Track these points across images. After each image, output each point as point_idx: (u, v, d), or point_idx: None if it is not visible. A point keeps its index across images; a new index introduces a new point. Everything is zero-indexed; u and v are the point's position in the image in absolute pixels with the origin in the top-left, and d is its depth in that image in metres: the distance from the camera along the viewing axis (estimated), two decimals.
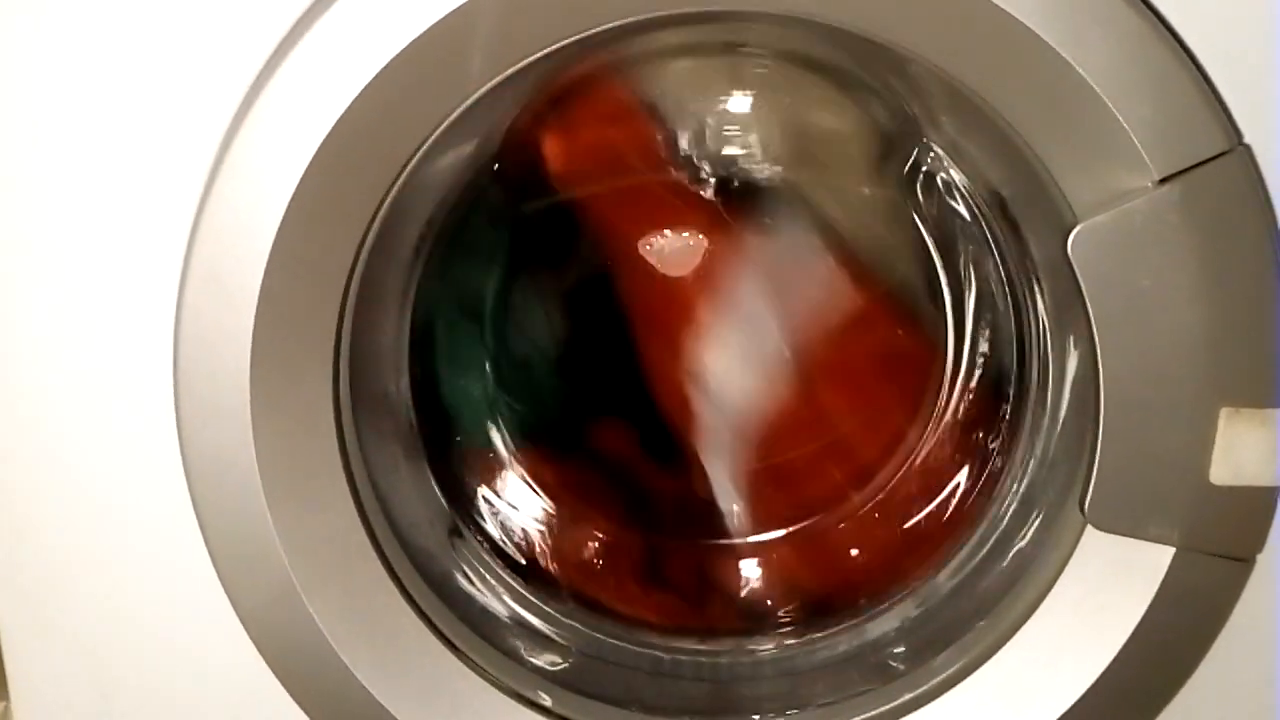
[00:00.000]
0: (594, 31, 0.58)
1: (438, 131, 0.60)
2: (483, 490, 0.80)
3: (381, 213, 0.61)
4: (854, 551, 0.82)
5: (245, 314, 0.60)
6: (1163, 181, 0.57)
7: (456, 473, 0.79)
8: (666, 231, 0.79)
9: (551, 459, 0.82)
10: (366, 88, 0.58)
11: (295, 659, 0.65)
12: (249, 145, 0.59)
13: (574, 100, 0.74)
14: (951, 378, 0.80)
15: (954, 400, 0.80)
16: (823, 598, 0.80)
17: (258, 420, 0.61)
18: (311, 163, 0.58)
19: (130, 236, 0.63)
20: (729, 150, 0.79)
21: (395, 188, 0.61)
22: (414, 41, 0.57)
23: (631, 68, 0.74)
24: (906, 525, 0.80)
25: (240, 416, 0.61)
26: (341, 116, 0.58)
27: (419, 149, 0.60)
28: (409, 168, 0.60)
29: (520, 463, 0.82)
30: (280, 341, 0.61)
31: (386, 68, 0.57)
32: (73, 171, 0.62)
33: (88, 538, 0.68)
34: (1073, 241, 0.59)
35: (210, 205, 0.60)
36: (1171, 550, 0.62)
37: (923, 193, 0.77)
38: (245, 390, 0.61)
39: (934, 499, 0.80)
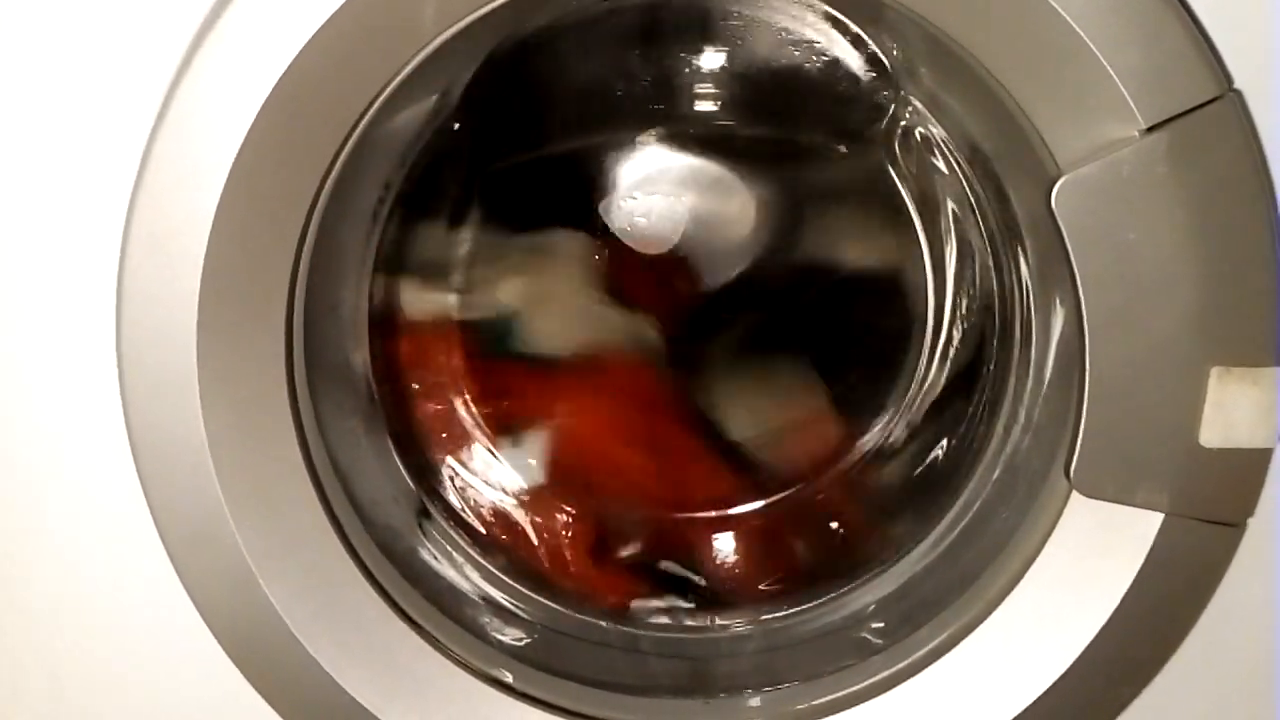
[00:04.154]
0: None
1: (392, 85, 0.58)
2: (448, 464, 0.79)
3: (335, 172, 0.60)
4: (833, 524, 0.81)
5: (190, 280, 0.58)
6: (1150, 130, 0.56)
7: (421, 447, 0.78)
8: (637, 195, 0.77)
9: (521, 431, 0.81)
10: (314, 37, 0.56)
11: (252, 644, 0.64)
12: (191, 100, 0.57)
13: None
14: (933, 340, 0.79)
15: (935, 364, 0.79)
16: (800, 572, 0.80)
17: (207, 396, 0.60)
18: (257, 118, 0.56)
19: (67, 197, 0.61)
20: (701, 107, 0.77)
21: (349, 145, 0.59)
22: None
23: (594, 20, 0.72)
24: (887, 495, 0.80)
25: (189, 392, 0.60)
26: (288, 68, 0.56)
27: (373, 103, 0.58)
28: (363, 123, 0.59)
29: (487, 435, 0.80)
30: (229, 312, 0.59)
31: (335, 15, 0.55)
32: (3, 130, 0.60)
33: (32, 522, 0.66)
34: (1056, 194, 0.58)
35: (151, 164, 0.58)
36: (1160, 516, 0.61)
37: (901, 149, 0.76)
38: (193, 364, 0.59)
39: (915, 467, 0.79)
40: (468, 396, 0.80)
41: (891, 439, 0.81)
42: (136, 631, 0.66)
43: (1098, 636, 0.62)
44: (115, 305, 0.60)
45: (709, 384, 0.83)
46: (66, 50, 0.59)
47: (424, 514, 0.76)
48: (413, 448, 0.77)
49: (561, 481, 0.80)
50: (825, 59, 0.75)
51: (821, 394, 0.83)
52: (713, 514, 0.81)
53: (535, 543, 0.79)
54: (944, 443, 0.78)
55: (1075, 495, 0.62)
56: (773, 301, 0.81)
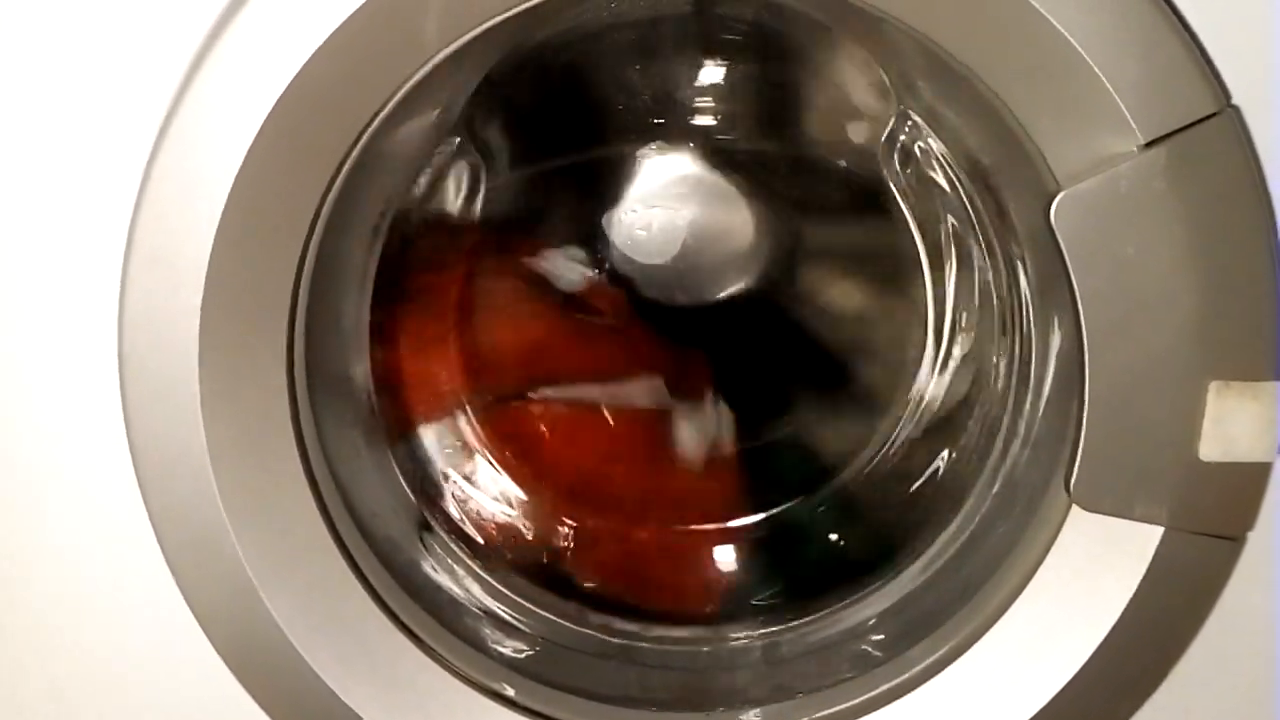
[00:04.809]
0: None
1: (394, 100, 0.58)
2: (449, 476, 0.79)
3: (336, 186, 0.60)
4: (833, 536, 0.81)
5: (192, 293, 0.58)
6: (1149, 145, 0.56)
7: (422, 459, 0.78)
8: (637, 208, 0.77)
9: (521, 445, 0.81)
10: (316, 52, 0.56)
11: (253, 656, 0.63)
12: (194, 114, 0.57)
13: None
14: (933, 354, 0.79)
15: (935, 377, 0.79)
16: (801, 584, 0.79)
17: (208, 408, 0.60)
18: (259, 132, 0.56)
19: (70, 211, 0.61)
20: (699, 121, 0.77)
21: (351, 160, 0.59)
22: (365, 4, 0.55)
23: (595, 35, 0.73)
24: (887, 509, 0.79)
25: (190, 404, 0.60)
26: (290, 83, 0.56)
27: (374, 119, 0.58)
28: (365, 138, 0.59)
29: (488, 448, 0.80)
30: (231, 324, 0.59)
31: (337, 31, 0.55)
32: (6, 144, 0.60)
33: (34, 532, 0.66)
34: (1055, 209, 0.58)
35: (154, 177, 0.58)
36: (1160, 530, 0.60)
37: (900, 163, 0.76)
38: (194, 376, 0.59)
39: (914, 481, 0.79)
40: (468, 409, 0.80)
41: (891, 452, 0.80)
42: (136, 641, 0.66)
43: (1098, 650, 0.61)
44: (117, 316, 0.60)
45: (708, 397, 0.83)
46: (70, 65, 0.59)
47: (424, 526, 0.75)
48: (413, 460, 0.77)
49: (562, 494, 0.80)
50: (825, 73, 0.75)
51: (821, 408, 0.83)
52: (713, 526, 0.81)
53: (536, 555, 0.79)
54: (944, 456, 0.78)
55: (1075, 509, 0.61)
56: (772, 315, 0.81)
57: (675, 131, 0.78)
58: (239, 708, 0.64)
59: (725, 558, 0.81)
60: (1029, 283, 0.68)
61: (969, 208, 0.73)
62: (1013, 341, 0.72)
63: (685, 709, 0.71)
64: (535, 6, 0.57)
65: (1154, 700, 0.64)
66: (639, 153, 0.78)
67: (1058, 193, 0.57)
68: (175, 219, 0.58)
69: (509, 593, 0.75)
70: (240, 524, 0.61)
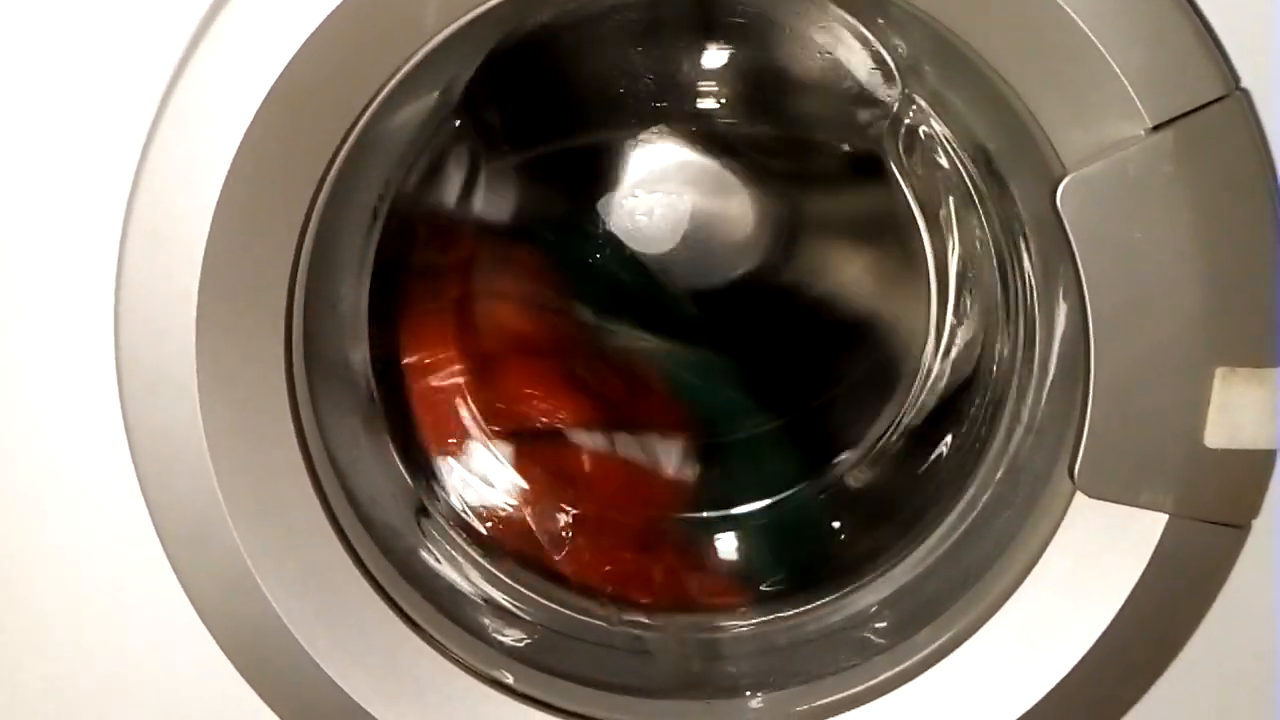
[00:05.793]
0: None
1: (392, 83, 0.58)
2: (448, 463, 0.79)
3: (334, 170, 0.59)
4: (835, 524, 0.81)
5: (189, 279, 0.58)
6: (1156, 129, 0.56)
7: (420, 445, 0.78)
8: (639, 193, 0.77)
9: (520, 431, 0.81)
10: (314, 33, 0.55)
11: (253, 646, 0.63)
12: (190, 96, 0.57)
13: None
14: (936, 339, 0.79)
15: (938, 362, 0.79)
16: (802, 571, 0.79)
17: (205, 393, 0.59)
18: (257, 115, 0.56)
19: (66, 195, 0.60)
20: (703, 105, 0.77)
21: (349, 143, 0.59)
22: None
23: (597, 18, 0.72)
24: (890, 495, 0.79)
25: (187, 389, 0.59)
26: (288, 65, 0.56)
27: (372, 101, 0.58)
28: (363, 121, 0.58)
29: (486, 434, 0.80)
30: (227, 308, 0.59)
31: (335, 11, 0.55)
32: (3, 127, 0.60)
33: (30, 524, 0.65)
34: (1061, 193, 0.57)
35: (150, 161, 0.58)
36: (1164, 517, 0.60)
37: (904, 147, 0.76)
38: (191, 361, 0.59)
39: (918, 467, 0.79)
40: (467, 395, 0.80)
41: (895, 438, 0.80)
42: (135, 632, 0.66)
43: (1101, 637, 0.61)
44: (114, 304, 0.59)
45: (711, 383, 0.83)
46: (66, 47, 0.59)
47: (423, 513, 0.75)
48: (412, 446, 0.76)
49: (561, 481, 0.80)
50: (829, 56, 0.75)
51: (823, 393, 0.83)
52: (715, 514, 0.81)
53: (535, 543, 0.79)
54: (947, 442, 0.77)
55: (1079, 496, 0.61)
56: (775, 299, 0.81)
57: (678, 115, 0.77)
58: (240, 702, 0.64)
59: (727, 545, 0.82)
60: (1033, 267, 0.68)
61: (973, 191, 0.73)
62: (1016, 326, 0.72)
63: (686, 697, 0.71)
64: None
65: (1158, 687, 0.64)
66: (641, 137, 0.77)
67: (1064, 176, 0.57)
68: (172, 203, 0.58)
69: (509, 580, 0.75)
70: (239, 512, 0.61)
